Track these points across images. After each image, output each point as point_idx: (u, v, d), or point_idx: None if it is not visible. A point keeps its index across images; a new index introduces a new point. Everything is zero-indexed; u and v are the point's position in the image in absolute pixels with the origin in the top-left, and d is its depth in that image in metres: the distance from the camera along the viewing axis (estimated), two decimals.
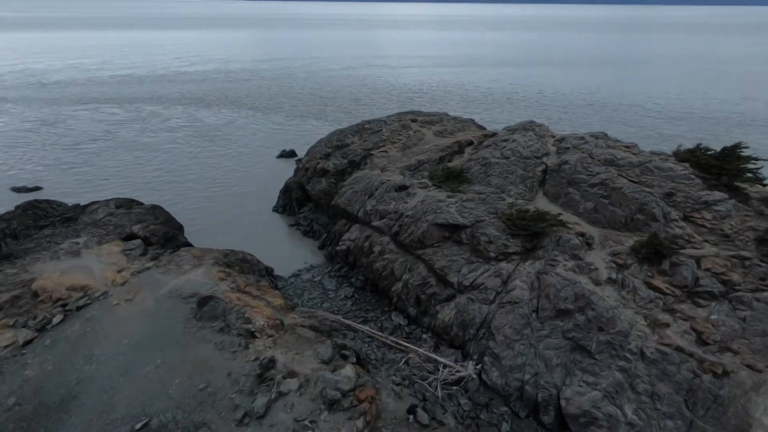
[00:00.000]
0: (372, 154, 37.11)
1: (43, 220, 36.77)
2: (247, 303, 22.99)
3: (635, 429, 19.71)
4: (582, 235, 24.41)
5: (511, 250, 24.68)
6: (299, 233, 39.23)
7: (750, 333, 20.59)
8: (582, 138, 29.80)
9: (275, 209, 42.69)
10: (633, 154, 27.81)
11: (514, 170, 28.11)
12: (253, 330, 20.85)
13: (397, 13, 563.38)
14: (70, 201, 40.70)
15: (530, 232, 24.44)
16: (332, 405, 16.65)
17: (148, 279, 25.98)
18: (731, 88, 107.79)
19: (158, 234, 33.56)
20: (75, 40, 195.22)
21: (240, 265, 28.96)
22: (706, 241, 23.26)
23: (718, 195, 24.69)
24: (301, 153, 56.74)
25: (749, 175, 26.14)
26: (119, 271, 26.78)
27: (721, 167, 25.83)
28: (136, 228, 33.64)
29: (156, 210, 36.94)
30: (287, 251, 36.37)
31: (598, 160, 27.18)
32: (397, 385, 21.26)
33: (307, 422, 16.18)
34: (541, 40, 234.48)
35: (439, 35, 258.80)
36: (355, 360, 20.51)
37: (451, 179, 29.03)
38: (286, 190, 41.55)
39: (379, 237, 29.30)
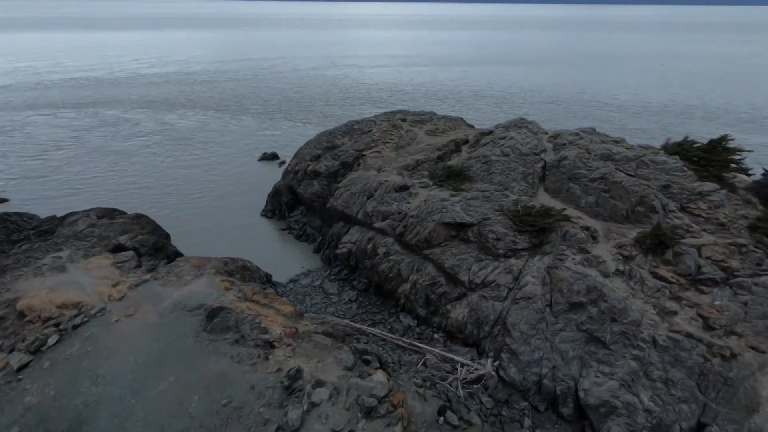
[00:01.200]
0: (364, 155, 36.77)
1: (15, 234, 34.39)
2: (258, 312, 22.27)
3: (653, 415, 20.35)
4: (587, 228, 25.01)
5: (519, 247, 24.99)
6: (292, 237, 38.43)
7: (752, 316, 21.65)
8: (576, 134, 30.57)
9: (264, 214, 41.66)
10: (626, 148, 28.77)
11: (515, 167, 28.51)
12: (271, 340, 20.20)
13: (361, 13, 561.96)
14: (42, 213, 38.27)
15: (537, 228, 24.83)
16: (369, 413, 16.33)
17: (148, 292, 24.74)
18: (683, 84, 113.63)
19: (147, 244, 32.06)
20: (21, 42, 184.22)
21: (241, 273, 28.06)
22: (704, 230, 24.30)
23: (710, 186, 25.86)
24: (283, 155, 55.72)
25: (734, 165, 27.47)
26: (114, 285, 25.37)
27: (710, 159, 27.05)
28: (123, 239, 32.02)
29: (141, 219, 35.30)
30: (282, 256, 35.56)
31: (596, 155, 27.95)
32: (420, 387, 21.08)
33: None
34: (503, 39, 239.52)
35: (405, 35, 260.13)
36: (378, 365, 20.23)
37: (453, 178, 29.13)
38: (275, 194, 40.61)
39: (383, 238, 29.05)
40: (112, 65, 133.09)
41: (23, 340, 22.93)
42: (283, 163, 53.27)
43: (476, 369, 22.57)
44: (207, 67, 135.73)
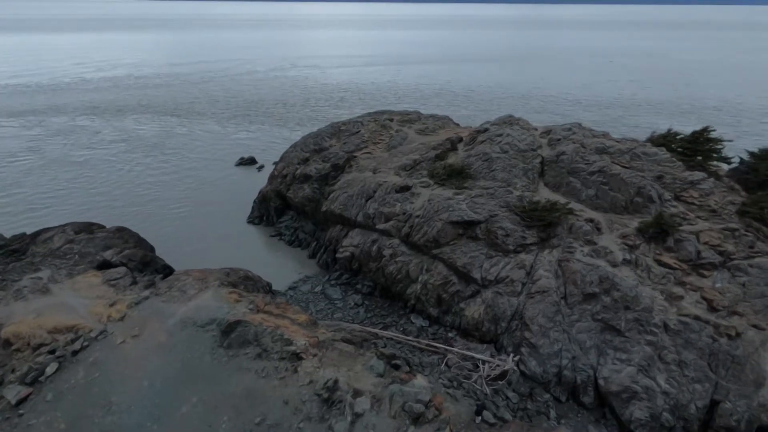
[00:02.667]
0: (355, 156, 36.30)
1: None
2: (278, 324, 21.46)
3: (670, 397, 21.24)
4: (591, 221, 25.80)
5: (528, 242, 25.43)
6: (283, 244, 37.39)
7: (750, 296, 23.04)
8: (569, 129, 31.50)
9: (250, 220, 40.31)
10: (617, 141, 29.94)
11: (515, 164, 29.01)
12: (298, 351, 19.49)
13: (317, 13, 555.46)
14: (4, 230, 35.32)
15: (545, 222, 25.33)
16: (417, 419, 16.06)
17: (151, 310, 23.27)
18: (628, 78, 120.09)
19: (135, 259, 30.25)
20: None
21: (244, 283, 26.98)
22: (698, 217, 25.64)
23: (699, 175, 27.33)
24: (260, 159, 54.16)
25: (714, 155, 29.16)
26: (112, 305, 23.70)
27: (695, 149, 28.58)
28: (107, 255, 30.04)
29: (123, 232, 33.24)
30: (276, 264, 34.52)
31: (591, 149, 28.90)
32: (448, 387, 21.04)
33: None
34: (458, 38, 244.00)
35: (363, 35, 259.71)
36: (408, 369, 19.98)
37: (454, 176, 29.25)
38: (262, 200, 39.37)
39: (388, 240, 28.77)
40: (53, 70, 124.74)
41: (13, 371, 21.07)
42: (262, 167, 51.81)
43: (498, 365, 22.76)
44: (158, 70, 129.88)
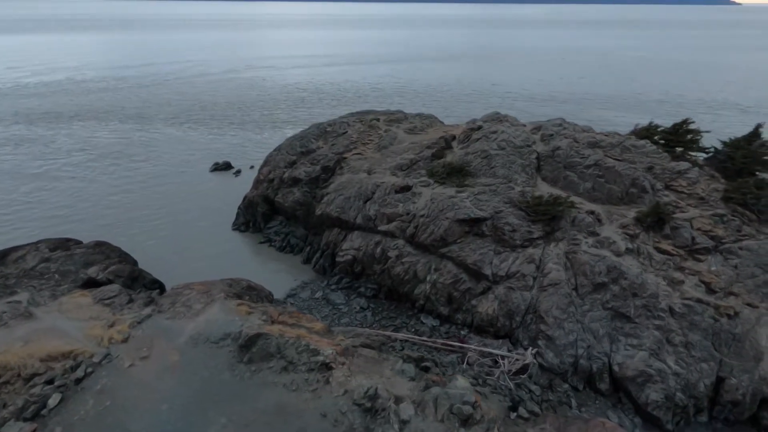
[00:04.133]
0: (345, 158, 35.72)
1: None
2: (299, 334, 20.70)
3: (680, 377, 22.26)
4: (592, 212, 26.62)
5: (535, 236, 25.90)
6: (274, 250, 36.22)
7: (742, 277, 24.53)
8: (560, 125, 32.39)
9: (236, 228, 38.77)
10: (605, 135, 31.09)
11: (514, 160, 29.48)
12: (327, 361, 18.86)
13: (270, 13, 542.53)
14: None
15: (549, 216, 25.89)
16: (466, 421, 15.90)
17: (156, 328, 21.83)
18: (579, 75, 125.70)
19: (123, 275, 28.37)
20: None
21: (248, 293, 25.89)
22: (689, 204, 27.03)
23: (684, 164, 28.83)
24: (236, 164, 52.28)
25: (694, 145, 30.86)
26: (111, 326, 22.05)
27: (677, 140, 30.12)
28: (91, 272, 28.02)
29: (103, 247, 31.12)
30: (269, 272, 33.37)
31: (584, 144, 29.83)
32: (474, 386, 21.02)
33: None
34: (414, 37, 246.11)
35: (320, 34, 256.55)
36: (438, 370, 19.82)
37: (454, 175, 29.34)
38: (248, 206, 37.97)
39: (392, 241, 28.48)
40: None
41: (5, 406, 19.18)
42: (239, 172, 50.03)
43: (517, 359, 23.03)
44: (104, 73, 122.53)
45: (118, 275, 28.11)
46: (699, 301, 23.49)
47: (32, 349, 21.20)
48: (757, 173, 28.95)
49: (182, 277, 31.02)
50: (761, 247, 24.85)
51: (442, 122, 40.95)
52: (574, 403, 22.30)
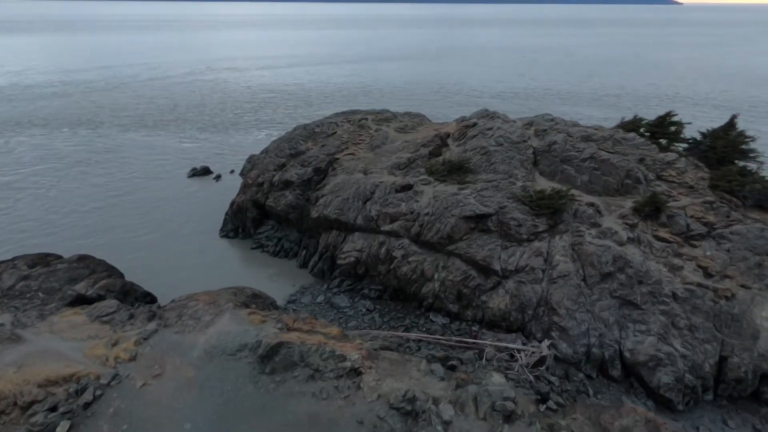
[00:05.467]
0: (337, 158, 35.11)
1: None
2: (321, 341, 20.08)
3: (687, 359, 23.14)
4: (592, 204, 27.30)
5: (540, 229, 26.30)
6: (267, 255, 35.14)
7: (735, 260, 25.79)
8: (552, 120, 33.07)
9: (224, 234, 37.36)
10: (596, 129, 32.00)
11: (512, 155, 29.81)
12: (356, 366, 18.38)
13: (225, 14, 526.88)
14: None
15: (553, 210, 26.34)
16: (509, 417, 15.85)
17: (166, 344, 20.62)
18: (538, 72, 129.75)
19: (115, 289, 26.76)
20: None
21: (254, 302, 24.96)
22: (680, 193, 28.18)
23: (672, 155, 30.06)
24: (215, 169, 50.43)
25: (679, 136, 32.24)
26: (114, 344, 20.65)
27: (663, 132, 31.39)
28: (80, 288, 26.26)
29: (88, 261, 29.22)
30: (265, 278, 32.37)
31: (577, 138, 30.57)
32: None
33: None
34: (377, 37, 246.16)
35: (281, 35, 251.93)
36: (465, 368, 19.71)
37: (454, 172, 29.36)
38: (237, 211, 36.66)
39: (397, 240, 28.19)
40: None
41: None
42: (219, 177, 48.31)
43: (533, 352, 23.28)
44: (51, 77, 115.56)
45: (109, 290, 26.46)
46: (699, 285, 24.51)
47: (27, 375, 19.58)
48: (735, 161, 30.54)
49: (175, 288, 29.66)
50: (749, 231, 26.21)
51: (430, 120, 40.99)
52: (590, 391, 22.77)
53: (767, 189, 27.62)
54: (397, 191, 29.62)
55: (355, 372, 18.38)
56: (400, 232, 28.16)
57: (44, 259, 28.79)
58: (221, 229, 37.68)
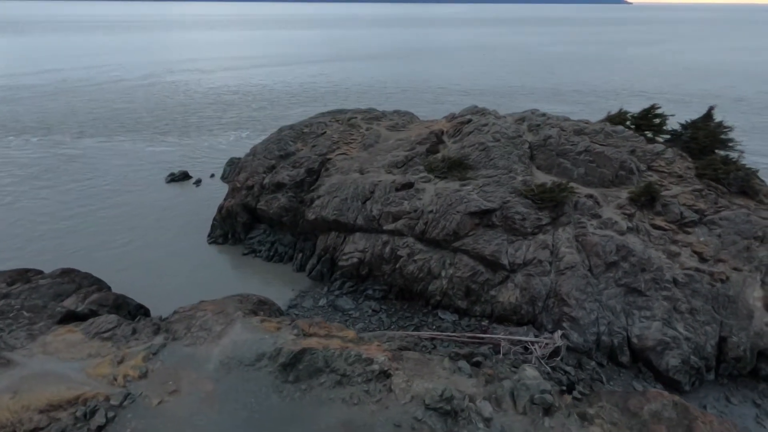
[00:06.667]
0: (330, 159, 34.46)
1: None
2: (342, 345, 19.55)
3: (691, 341, 24.00)
4: (590, 196, 27.92)
5: (543, 222, 26.65)
6: (260, 261, 34.03)
7: (726, 244, 26.98)
8: (543, 115, 33.65)
9: (213, 240, 35.93)
10: (586, 123, 32.81)
11: (510, 150, 30.09)
12: (385, 368, 17.97)
13: (182, 14, 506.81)
14: None
15: (555, 203, 26.76)
16: (548, 410, 15.87)
17: (177, 358, 19.52)
18: (503, 69, 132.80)
19: (107, 303, 25.19)
20: None
21: (261, 308, 24.08)
22: (670, 182, 29.26)
23: (659, 146, 31.20)
24: (196, 173, 48.52)
25: (663, 128, 33.50)
26: (120, 362, 19.37)
27: (648, 124, 32.53)
28: (68, 303, 24.57)
29: (72, 275, 27.41)
30: (262, 283, 31.28)
31: (570, 132, 31.22)
32: None
33: None
34: (342, 36, 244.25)
35: (243, 35, 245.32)
36: (489, 364, 19.68)
37: (454, 168, 29.34)
38: (226, 216, 35.33)
39: (401, 239, 27.90)
40: None
41: None
42: (199, 182, 46.50)
43: (547, 344, 23.54)
44: None
45: (101, 304, 24.86)
46: (696, 270, 25.49)
47: (26, 400, 18.12)
48: (716, 151, 32.01)
49: (169, 299, 28.38)
50: (737, 216, 27.50)
51: (419, 118, 40.91)
52: (604, 378, 23.25)
53: (749, 176, 29.07)
54: (397, 190, 29.34)
55: (384, 374, 17.98)
56: (404, 231, 27.89)
57: (24, 275, 26.76)
58: (209, 236, 36.25)
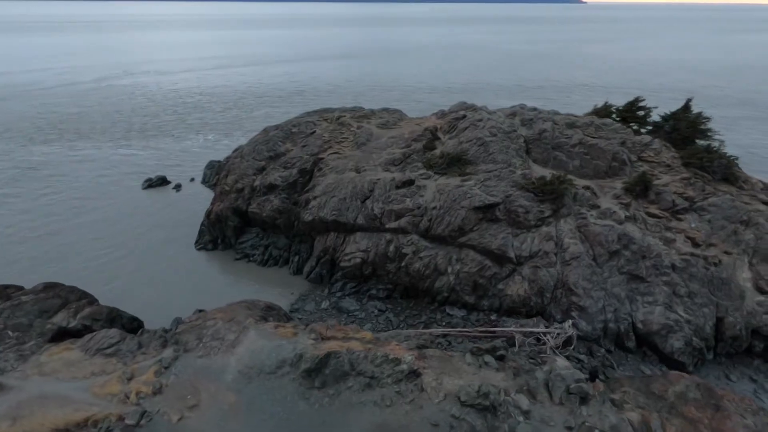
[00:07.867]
0: (322, 158, 33.73)
1: None
2: (365, 347, 19.05)
3: (691, 324, 24.88)
4: (588, 188, 28.52)
5: (546, 215, 26.99)
6: (254, 265, 32.93)
7: (716, 229, 28.15)
8: (534, 109, 34.10)
9: (201, 246, 34.47)
10: (576, 117, 33.50)
11: (508, 145, 30.28)
12: (415, 368, 17.62)
13: (139, 14, 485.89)
14: None
15: (556, 195, 27.16)
16: (584, 398, 15.95)
17: (192, 370, 18.47)
18: (472, 67, 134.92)
19: (101, 317, 23.66)
20: None
21: (270, 314, 23.20)
22: (660, 172, 30.27)
23: (647, 138, 32.23)
24: (172, 178, 46.46)
25: (647, 120, 34.66)
26: (130, 379, 18.15)
27: (633, 117, 33.59)
28: (59, 320, 22.87)
29: (57, 289, 25.50)
30: (259, 289, 30.30)
31: (563, 125, 31.77)
32: (536, 366, 21.30)
33: (578, 427, 15.16)
34: (307, 36, 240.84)
35: (205, 36, 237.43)
36: (513, 356, 19.69)
37: (454, 164, 29.26)
38: (216, 221, 33.95)
39: (405, 237, 27.58)
40: None
41: None
42: (179, 186, 44.56)
43: (559, 334, 23.83)
44: None
45: (95, 319, 23.32)
46: (692, 255, 26.47)
47: (28, 426, 16.75)
48: (696, 141, 33.40)
49: (163, 310, 27.22)
50: (723, 202, 28.75)
51: (407, 116, 40.65)
52: (615, 364, 23.76)
53: (730, 164, 30.46)
54: (398, 187, 29.01)
55: (414, 374, 17.64)
56: (408, 229, 27.60)
57: (3, 292, 24.74)
58: (197, 242, 34.77)
